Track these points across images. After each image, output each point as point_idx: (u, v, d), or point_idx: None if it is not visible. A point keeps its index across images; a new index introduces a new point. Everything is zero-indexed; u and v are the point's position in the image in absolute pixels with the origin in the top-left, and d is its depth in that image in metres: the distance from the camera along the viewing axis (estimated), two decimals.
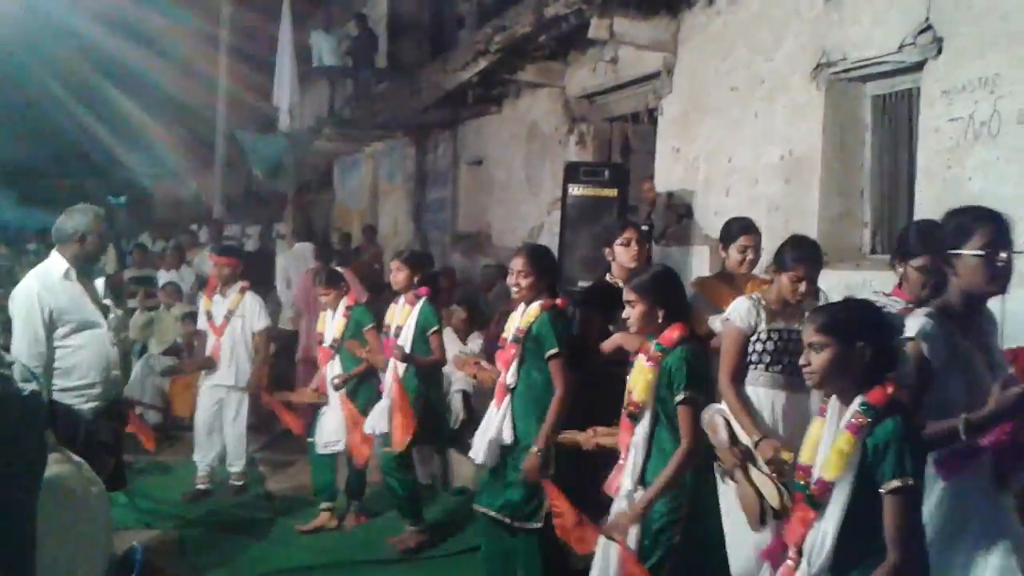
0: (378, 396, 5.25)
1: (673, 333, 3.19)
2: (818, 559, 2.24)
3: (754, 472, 2.61)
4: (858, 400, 2.26)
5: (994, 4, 4.65)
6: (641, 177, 7.87)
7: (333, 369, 5.52)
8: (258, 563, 4.93)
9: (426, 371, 5.10)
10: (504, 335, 4.13)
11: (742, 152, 6.58)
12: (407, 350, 4.96)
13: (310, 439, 5.64)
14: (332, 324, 5.56)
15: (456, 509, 5.77)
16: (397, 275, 5.11)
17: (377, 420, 5.01)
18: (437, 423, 5.36)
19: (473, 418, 5.89)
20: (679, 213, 7.26)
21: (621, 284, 3.91)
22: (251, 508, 5.99)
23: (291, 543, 5.27)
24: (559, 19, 7.52)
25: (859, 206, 5.89)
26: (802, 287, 3.74)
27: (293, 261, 10.14)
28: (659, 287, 3.29)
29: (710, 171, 6.93)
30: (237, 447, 6.21)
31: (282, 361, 8.01)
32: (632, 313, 3.24)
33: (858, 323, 2.34)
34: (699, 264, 7.04)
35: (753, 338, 3.73)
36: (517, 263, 4.05)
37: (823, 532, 2.24)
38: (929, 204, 5.08)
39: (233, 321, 6.10)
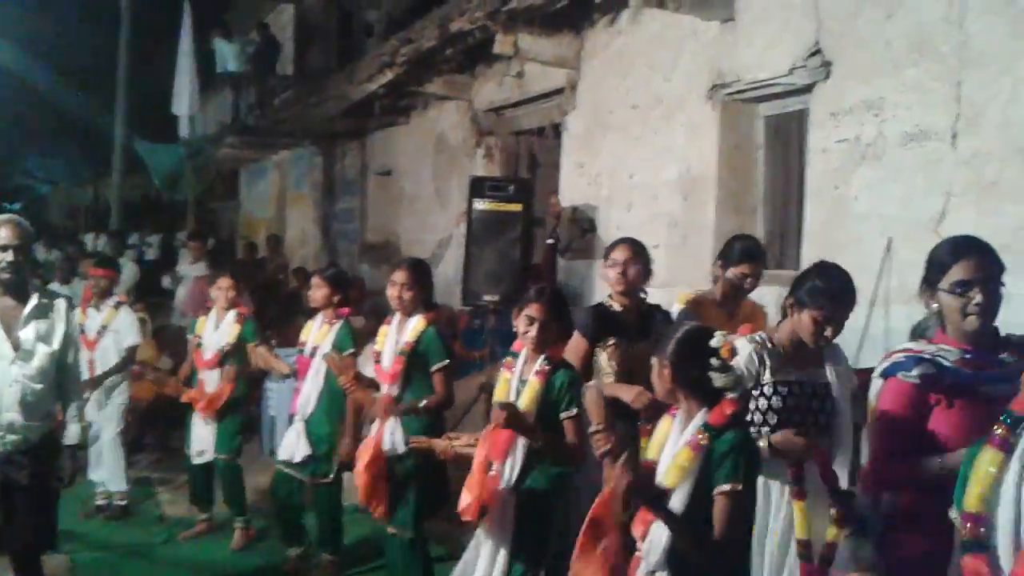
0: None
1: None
2: (654, 556, 2.43)
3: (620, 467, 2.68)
4: (700, 417, 2.46)
5: (880, 31, 4.87)
6: (548, 191, 7.96)
7: (210, 378, 5.43)
8: None
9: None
10: (377, 348, 4.21)
11: (643, 168, 6.72)
12: (324, 371, 4.86)
13: (187, 450, 5.55)
14: (216, 333, 5.45)
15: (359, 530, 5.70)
16: (316, 292, 4.96)
17: (296, 445, 4.85)
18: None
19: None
20: (583, 227, 7.37)
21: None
22: (143, 529, 5.82)
23: (183, 565, 5.14)
24: (464, 34, 7.56)
25: (752, 223, 6.08)
26: (828, 331, 2.95)
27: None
28: (555, 305, 3.39)
29: (612, 186, 7.06)
30: (115, 468, 6.00)
31: None
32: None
33: (698, 348, 2.50)
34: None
35: (756, 392, 2.95)
36: (400, 276, 4.12)
37: (660, 531, 2.42)
38: (818, 222, 5.30)
39: (106, 336, 5.87)
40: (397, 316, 4.23)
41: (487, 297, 6.77)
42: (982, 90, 4.31)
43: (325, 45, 13.55)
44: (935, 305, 2.58)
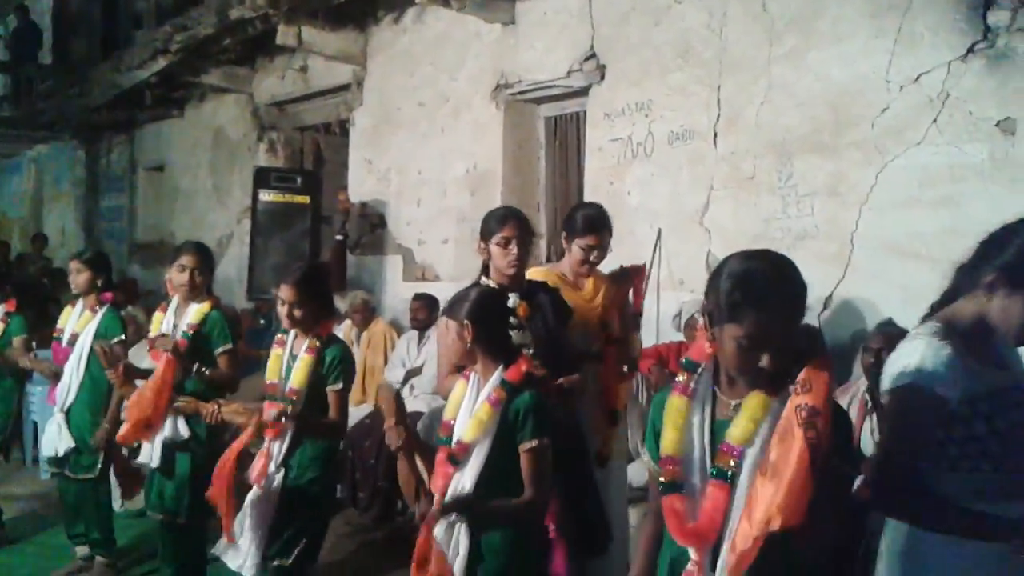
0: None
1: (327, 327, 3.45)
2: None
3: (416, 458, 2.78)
4: (497, 375, 2.59)
5: (649, 36, 5.25)
6: (335, 187, 7.89)
7: None
8: None
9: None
10: (151, 335, 4.14)
11: (431, 165, 6.83)
12: (85, 360, 4.60)
13: None
14: None
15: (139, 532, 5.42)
16: (78, 277, 4.66)
17: (57, 439, 4.58)
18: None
19: None
20: (373, 223, 7.38)
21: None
22: None
23: None
24: (244, 23, 7.36)
25: (537, 217, 6.35)
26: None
27: None
28: (310, 284, 3.42)
29: (401, 182, 7.12)
30: None
31: None
32: (283, 309, 3.37)
33: (488, 307, 2.66)
34: (393, 272, 7.20)
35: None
36: (189, 260, 4.08)
37: (461, 485, 2.54)
38: None
39: None
40: (174, 301, 4.14)
41: (275, 291, 6.59)
42: (739, 93, 4.76)
43: (89, 33, 12.62)
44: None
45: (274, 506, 3.26)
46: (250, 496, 3.30)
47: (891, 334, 3.50)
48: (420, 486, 2.70)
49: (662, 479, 1.90)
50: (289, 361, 3.40)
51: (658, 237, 5.06)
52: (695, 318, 4.15)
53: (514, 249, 3.24)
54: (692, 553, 1.86)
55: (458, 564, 2.46)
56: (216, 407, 3.60)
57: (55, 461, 4.65)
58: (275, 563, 3.24)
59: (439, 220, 6.74)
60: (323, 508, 3.42)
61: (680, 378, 1.94)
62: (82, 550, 4.80)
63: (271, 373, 3.43)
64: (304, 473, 3.32)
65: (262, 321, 7.58)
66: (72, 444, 4.54)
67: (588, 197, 5.71)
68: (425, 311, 6.06)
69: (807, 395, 1.74)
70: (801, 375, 1.78)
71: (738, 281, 1.79)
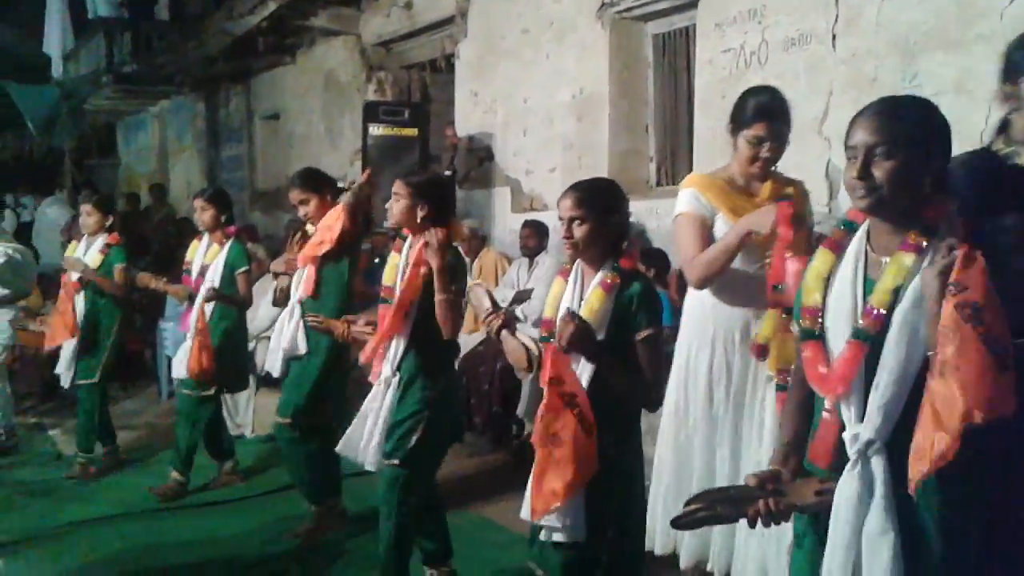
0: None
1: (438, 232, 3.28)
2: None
3: (518, 333, 2.76)
4: (610, 264, 2.54)
5: None
6: (442, 125, 7.91)
7: (79, 304, 5.26)
8: (48, 518, 4.67)
9: (234, 313, 4.95)
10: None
11: (536, 93, 6.76)
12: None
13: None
14: (84, 258, 5.28)
15: (264, 455, 5.67)
16: (203, 214, 4.89)
17: (183, 363, 4.84)
18: (243, 367, 5.24)
19: None
20: (480, 156, 7.37)
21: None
22: (39, 467, 5.65)
23: (80, 499, 5.02)
24: None
25: (645, 141, 6.21)
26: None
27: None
28: (429, 188, 3.36)
29: (507, 113, 7.08)
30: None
31: None
32: (396, 206, 3.32)
33: (610, 198, 2.59)
34: (501, 204, 7.20)
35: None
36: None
37: (582, 369, 2.48)
38: (706, 132, 5.45)
39: None
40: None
41: (388, 224, 6.69)
42: None
43: None
44: None
45: (389, 409, 3.31)
46: (369, 397, 3.37)
47: None
48: (530, 356, 2.67)
49: (801, 325, 1.96)
50: (404, 267, 3.36)
51: None
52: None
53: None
54: (827, 401, 1.92)
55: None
56: (347, 326, 3.71)
57: (183, 384, 4.90)
58: (390, 460, 3.28)
59: (546, 149, 6.68)
60: (435, 413, 3.34)
61: (834, 235, 1.99)
62: (227, 464, 5.16)
63: (387, 278, 3.42)
64: (415, 379, 3.33)
65: (376, 260, 7.73)
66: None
67: (699, 114, 5.55)
68: (535, 238, 6.04)
69: (964, 293, 1.69)
70: (945, 243, 1.76)
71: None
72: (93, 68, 13.08)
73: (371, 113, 6.72)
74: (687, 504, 2.00)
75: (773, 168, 3.05)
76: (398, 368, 3.33)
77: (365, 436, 3.33)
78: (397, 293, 3.33)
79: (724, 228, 2.98)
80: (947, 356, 1.70)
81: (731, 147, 3.08)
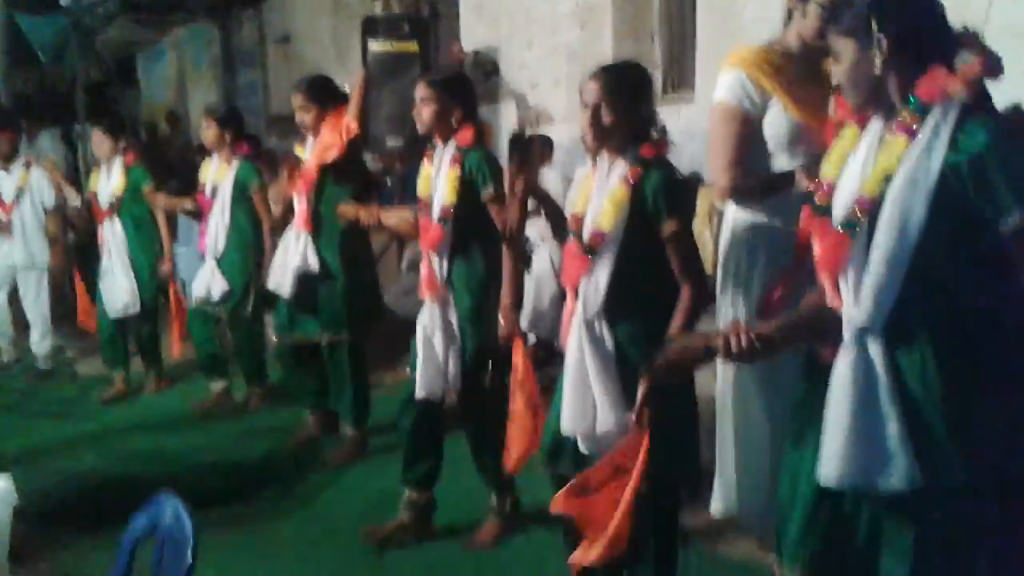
0: None
1: (467, 134, 3.18)
2: (593, 304, 2.38)
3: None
4: (630, 153, 2.37)
5: None
6: (448, 40, 7.79)
7: (113, 229, 5.33)
8: (67, 439, 4.82)
9: (248, 237, 4.90)
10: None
11: (540, 2, 6.61)
12: (229, 208, 4.84)
13: (99, 307, 5.50)
14: (108, 183, 5.33)
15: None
16: (206, 132, 4.87)
17: (211, 283, 4.82)
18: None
19: None
20: (486, 71, 7.26)
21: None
22: (58, 387, 5.85)
23: (96, 419, 5.16)
24: None
25: (651, 48, 6.07)
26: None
27: None
28: (458, 87, 3.25)
29: (512, 25, 6.95)
30: (41, 328, 5.97)
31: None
32: (425, 111, 3.19)
33: (638, 83, 2.44)
34: (508, 118, 7.12)
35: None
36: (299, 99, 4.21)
37: (596, 278, 2.38)
38: (709, 35, 5.31)
39: (22, 199, 5.79)
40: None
41: (391, 143, 6.67)
42: None
43: None
44: None
45: (445, 329, 3.20)
46: (420, 315, 3.26)
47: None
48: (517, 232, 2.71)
49: (815, 202, 1.90)
50: (436, 176, 3.24)
51: None
52: None
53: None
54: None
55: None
56: (376, 211, 3.66)
57: (207, 302, 4.93)
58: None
59: (550, 60, 6.57)
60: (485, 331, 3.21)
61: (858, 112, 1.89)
62: (217, 385, 5.18)
63: (421, 189, 3.29)
64: (463, 295, 3.23)
65: (388, 182, 7.70)
66: (227, 287, 4.83)
67: (702, 18, 5.42)
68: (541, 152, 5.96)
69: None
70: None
71: None
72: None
73: (371, 28, 6.61)
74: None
75: None
76: (447, 280, 3.23)
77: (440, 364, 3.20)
78: (435, 203, 3.22)
79: (782, 122, 2.53)
80: None
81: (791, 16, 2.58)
